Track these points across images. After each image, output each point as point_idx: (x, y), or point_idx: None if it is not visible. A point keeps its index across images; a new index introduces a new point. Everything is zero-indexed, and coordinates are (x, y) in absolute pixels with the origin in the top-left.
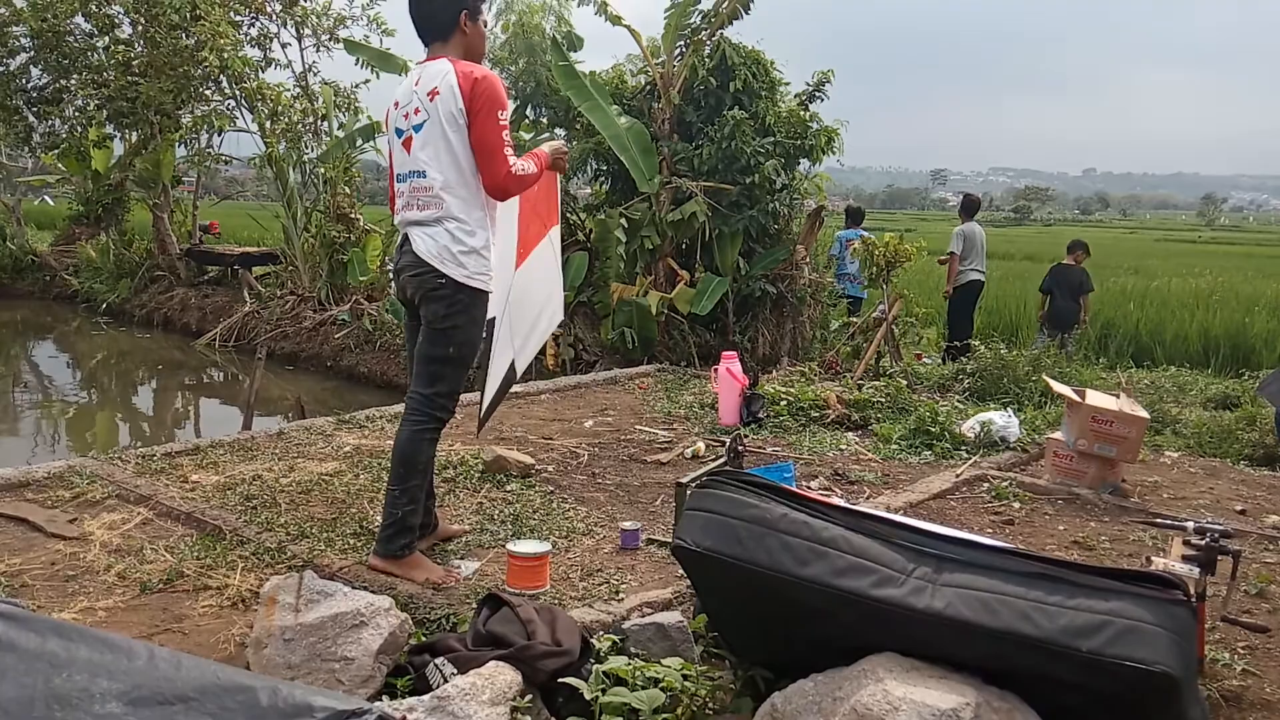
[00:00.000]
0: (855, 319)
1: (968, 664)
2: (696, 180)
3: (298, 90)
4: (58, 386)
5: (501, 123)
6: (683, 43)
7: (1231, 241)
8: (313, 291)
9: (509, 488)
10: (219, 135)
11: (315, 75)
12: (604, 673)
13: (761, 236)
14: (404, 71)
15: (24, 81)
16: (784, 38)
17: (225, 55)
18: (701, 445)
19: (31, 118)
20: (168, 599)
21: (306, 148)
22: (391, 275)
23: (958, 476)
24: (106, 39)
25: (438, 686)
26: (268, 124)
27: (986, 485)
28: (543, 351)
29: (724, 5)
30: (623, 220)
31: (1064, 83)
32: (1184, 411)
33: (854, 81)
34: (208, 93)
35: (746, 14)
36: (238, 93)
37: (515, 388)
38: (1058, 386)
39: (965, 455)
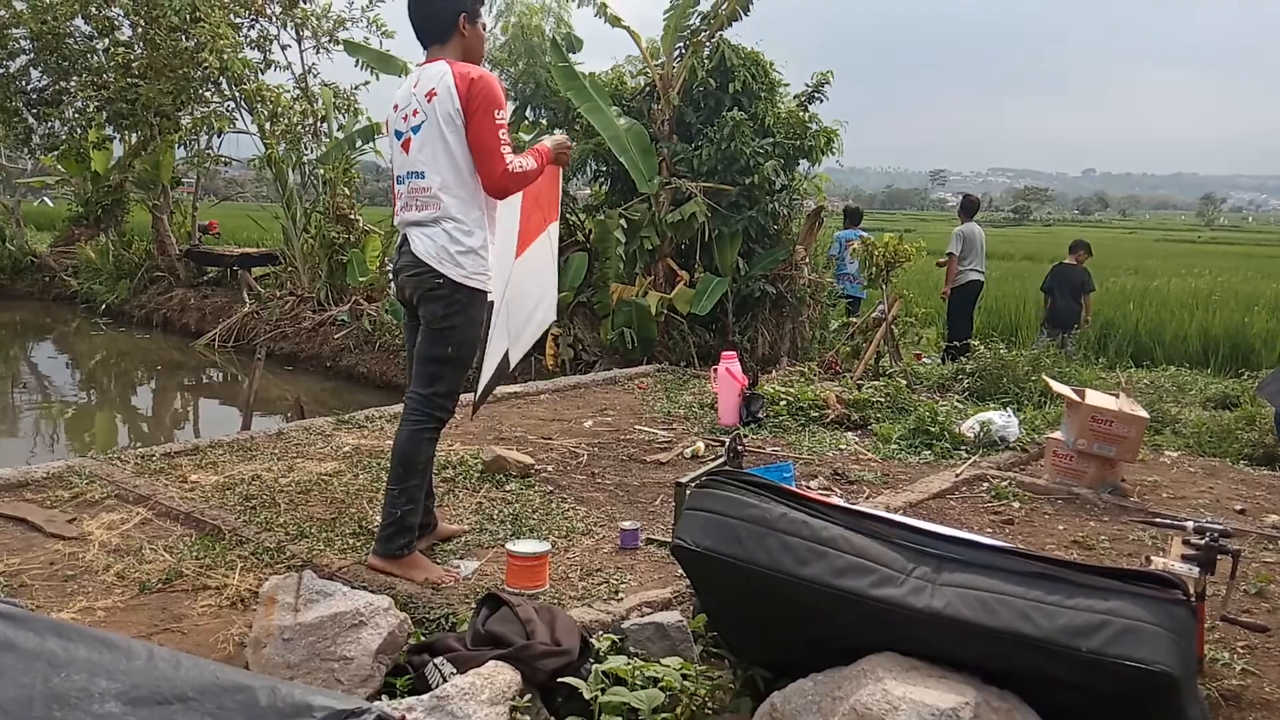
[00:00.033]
0: (855, 319)
1: (967, 664)
2: (696, 181)
3: (297, 92)
4: (57, 387)
5: (498, 122)
6: (682, 44)
7: (1231, 241)
8: (312, 292)
9: (508, 488)
10: (218, 137)
11: (315, 77)
12: (603, 672)
13: (761, 237)
14: (404, 73)
15: (24, 83)
16: (783, 39)
17: (225, 57)
18: (701, 445)
19: (31, 119)
20: (167, 599)
21: (306, 149)
22: (391, 276)
23: (957, 476)
24: (106, 41)
25: (437, 686)
26: (267, 125)
27: (986, 485)
28: (542, 351)
29: (723, 7)
30: (622, 221)
31: (1064, 83)
32: (1183, 411)
33: (853, 82)
34: (207, 94)
35: (746, 15)
36: (237, 94)
37: (515, 387)
38: (1057, 386)
39: (965, 455)
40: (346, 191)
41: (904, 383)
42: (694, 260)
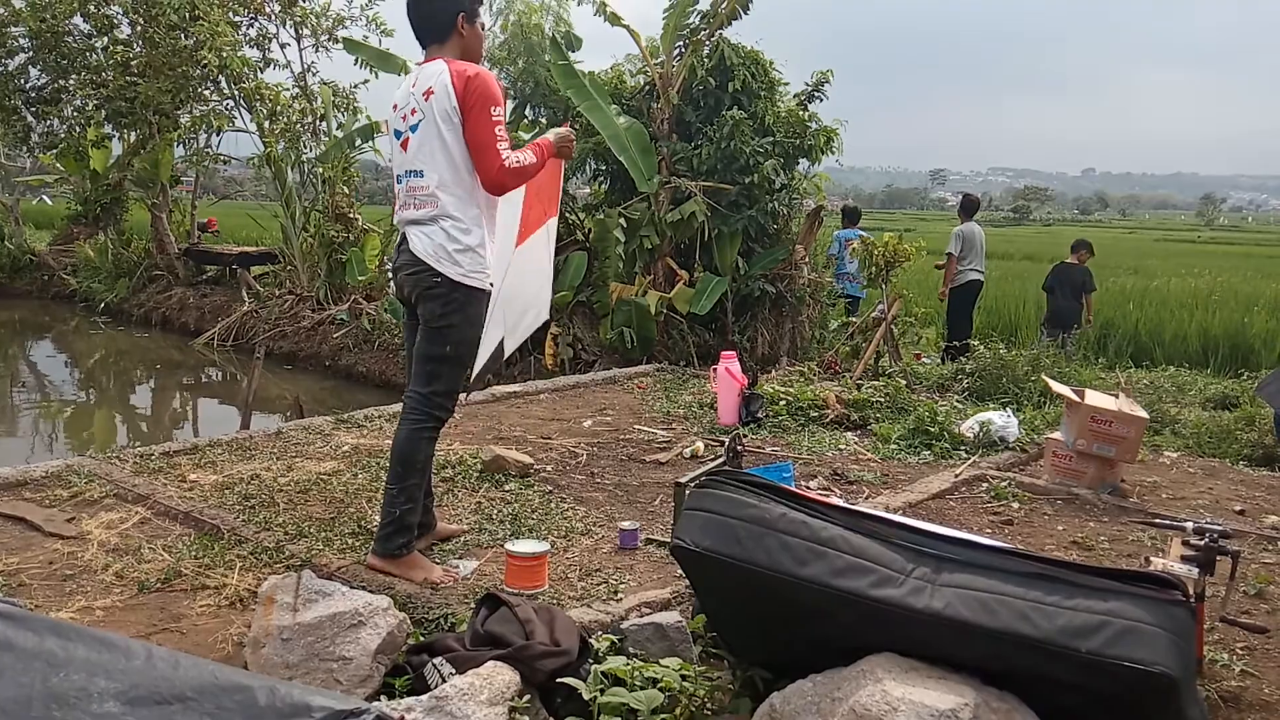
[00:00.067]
0: (854, 319)
1: (966, 664)
2: (695, 180)
3: (296, 90)
4: (56, 386)
5: (495, 118)
6: (682, 43)
7: (1230, 241)
8: (311, 291)
9: (507, 487)
10: (217, 135)
11: (314, 75)
12: (602, 673)
13: (760, 236)
14: (403, 71)
15: (22, 81)
16: (783, 37)
17: (224, 55)
18: (700, 445)
19: (30, 117)
20: (165, 598)
21: (305, 148)
22: (390, 274)
23: (957, 476)
24: (105, 39)
25: (436, 686)
26: (266, 124)
27: (985, 485)
28: (541, 351)
29: (723, 5)
30: (622, 220)
31: (1064, 83)
32: (1183, 411)
33: (853, 81)
34: (206, 93)
35: (745, 14)
36: (236, 93)
37: (514, 387)
38: (1057, 386)
39: (964, 455)
40: (346, 190)
41: (903, 383)
42: (693, 259)
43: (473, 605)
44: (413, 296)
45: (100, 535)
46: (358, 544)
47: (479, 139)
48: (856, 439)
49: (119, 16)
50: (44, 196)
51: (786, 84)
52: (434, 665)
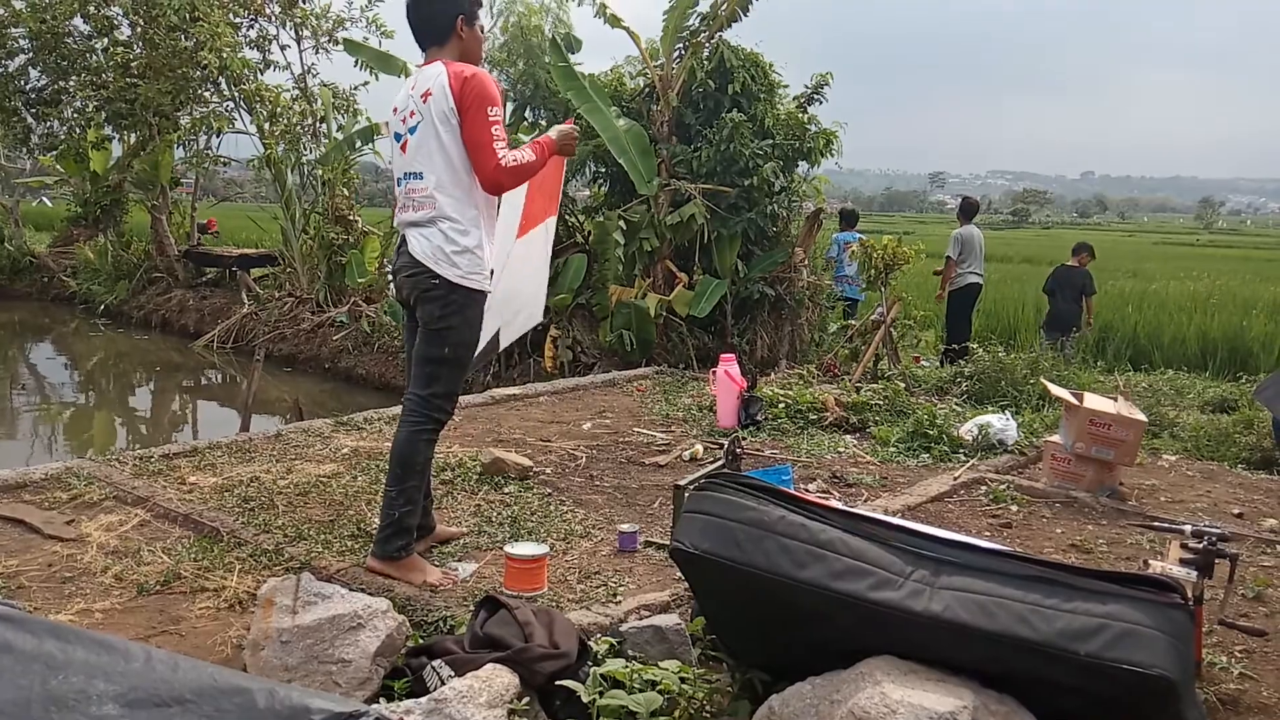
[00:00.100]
0: (853, 321)
1: (965, 667)
2: (695, 182)
3: (296, 92)
4: (55, 388)
5: (492, 119)
6: (681, 45)
7: (1229, 245)
8: (311, 293)
9: (507, 490)
10: (217, 137)
11: (314, 77)
12: (601, 675)
13: (760, 239)
14: (403, 73)
15: (22, 83)
16: (783, 39)
17: (224, 56)
18: (699, 448)
19: (30, 119)
20: (165, 601)
21: (305, 149)
22: (390, 277)
23: (955, 479)
24: (105, 40)
25: (435, 689)
26: (266, 126)
27: (984, 488)
28: (541, 353)
29: (722, 8)
30: (621, 222)
31: (1063, 85)
32: (1182, 415)
33: (852, 82)
34: (206, 94)
35: (745, 16)
36: (236, 94)
37: (513, 390)
38: (1055, 389)
39: (963, 458)
40: (345, 192)
41: (902, 385)
42: (693, 262)
43: (472, 608)
44: (411, 298)
45: (99, 538)
46: (357, 546)
47: (475, 139)
48: (855, 442)
49: (119, 18)
50: (44, 198)
51: (786, 86)
52: (433, 668)
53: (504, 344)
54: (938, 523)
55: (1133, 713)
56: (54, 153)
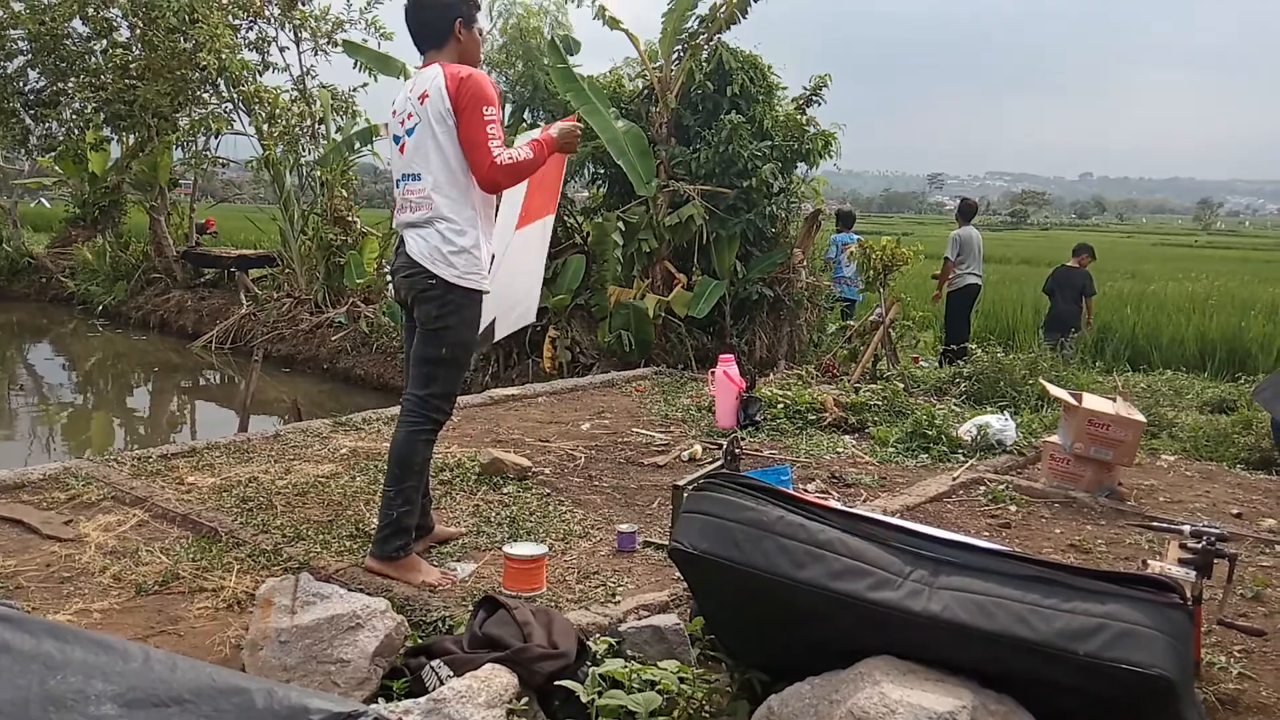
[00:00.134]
0: (851, 322)
1: (964, 667)
2: (694, 184)
3: (295, 93)
4: (54, 388)
5: (487, 117)
6: (680, 47)
7: (1228, 246)
8: (309, 294)
9: (505, 490)
10: (216, 138)
11: (313, 79)
12: (600, 675)
13: (759, 240)
14: (402, 74)
15: (21, 84)
16: (782, 40)
17: (223, 58)
18: (698, 448)
19: (28, 120)
20: (163, 601)
21: (304, 151)
22: (389, 277)
23: (954, 480)
24: (104, 42)
25: (434, 689)
26: (265, 127)
27: (983, 488)
28: (539, 354)
29: (721, 10)
30: (620, 223)
31: (1062, 86)
32: (1180, 415)
33: (852, 83)
34: (205, 96)
35: (743, 18)
36: (235, 96)
37: (512, 390)
38: (1054, 390)
39: (962, 458)
40: (344, 193)
41: (901, 386)
42: (692, 263)
43: (471, 608)
44: (409, 299)
45: (98, 538)
46: (356, 546)
47: (471, 138)
48: (854, 442)
49: (118, 19)
50: (42, 199)
51: (785, 88)
52: (432, 668)
53: (499, 335)
54: (936, 523)
55: (1132, 713)
56: (52, 154)
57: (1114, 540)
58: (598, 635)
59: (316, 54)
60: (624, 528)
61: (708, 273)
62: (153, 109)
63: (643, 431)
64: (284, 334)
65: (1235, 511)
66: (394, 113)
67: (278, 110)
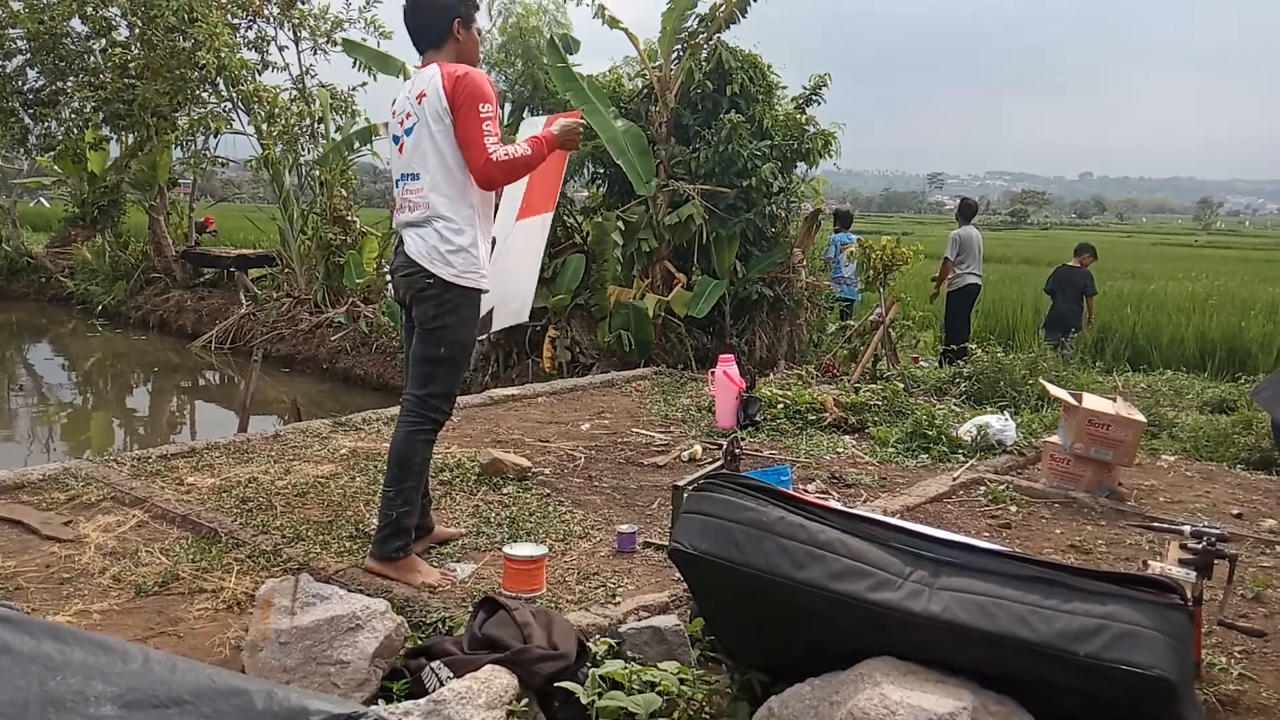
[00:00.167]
0: (850, 322)
1: (965, 668)
2: (693, 183)
3: (294, 93)
4: (53, 388)
5: (483, 115)
6: (680, 46)
7: (1228, 246)
8: (309, 294)
9: (505, 490)
10: (215, 137)
11: (312, 78)
12: (600, 676)
13: (758, 239)
14: (401, 74)
15: (20, 84)
16: (782, 39)
17: (222, 57)
18: (698, 448)
19: (27, 120)
20: (163, 602)
21: (303, 150)
22: (388, 277)
23: (954, 480)
24: (103, 41)
25: (434, 690)
26: (264, 126)
27: (983, 489)
28: (539, 354)
29: (720, 9)
30: (620, 223)
31: (1062, 86)
32: (1180, 415)
33: (851, 83)
34: (204, 95)
35: (743, 17)
36: (234, 95)
37: (512, 390)
38: (1054, 390)
39: (962, 458)
40: (343, 193)
41: (901, 386)
42: (691, 263)
43: (470, 608)
44: (407, 298)
45: (97, 538)
46: (355, 547)
47: (467, 135)
48: (854, 442)
49: (117, 18)
50: (41, 199)
51: (784, 87)
52: (432, 669)
53: (496, 326)
54: (936, 523)
55: (1132, 713)
56: (51, 153)
57: (1114, 541)
58: (598, 636)
59: (316, 53)
60: (624, 528)
61: (707, 272)
62: (152, 108)
63: (643, 432)
64: (283, 334)
65: (1235, 512)
66: (393, 113)
67: (277, 109)
